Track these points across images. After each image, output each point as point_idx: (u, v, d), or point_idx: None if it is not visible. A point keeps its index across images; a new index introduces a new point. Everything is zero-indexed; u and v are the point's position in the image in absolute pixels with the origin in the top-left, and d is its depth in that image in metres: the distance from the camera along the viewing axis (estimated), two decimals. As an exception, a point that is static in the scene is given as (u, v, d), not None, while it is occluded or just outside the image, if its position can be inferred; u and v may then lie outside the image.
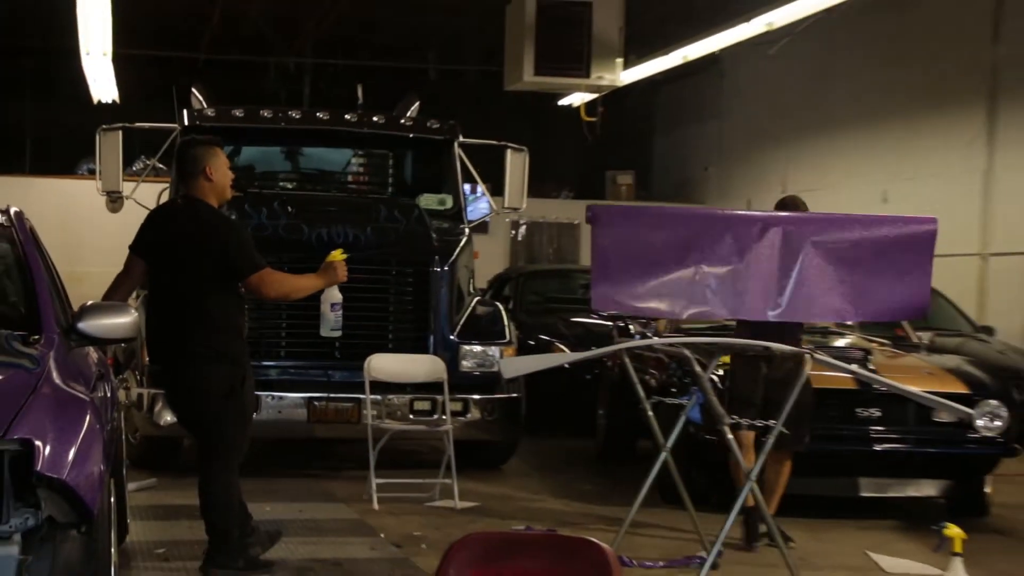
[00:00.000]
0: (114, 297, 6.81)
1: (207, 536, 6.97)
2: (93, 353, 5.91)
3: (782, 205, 8.47)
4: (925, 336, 11.13)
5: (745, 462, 7.65)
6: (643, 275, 7.25)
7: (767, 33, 15.90)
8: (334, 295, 7.35)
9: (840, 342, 10.07)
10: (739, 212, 7.80)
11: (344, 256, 7.22)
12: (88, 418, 4.54)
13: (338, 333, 7.72)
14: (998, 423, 8.78)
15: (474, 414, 10.21)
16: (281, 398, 10.07)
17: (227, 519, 6.92)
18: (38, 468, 4.05)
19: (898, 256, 7.29)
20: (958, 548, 6.54)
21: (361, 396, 9.48)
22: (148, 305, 7.27)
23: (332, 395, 10.09)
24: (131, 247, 7.20)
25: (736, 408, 7.80)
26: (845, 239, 7.36)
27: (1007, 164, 16.54)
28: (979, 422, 8.68)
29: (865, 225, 7.60)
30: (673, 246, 7.29)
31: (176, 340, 6.96)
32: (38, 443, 4.08)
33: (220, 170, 7.05)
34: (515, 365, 9.28)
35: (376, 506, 8.98)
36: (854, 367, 7.85)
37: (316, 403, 10.09)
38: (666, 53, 17.50)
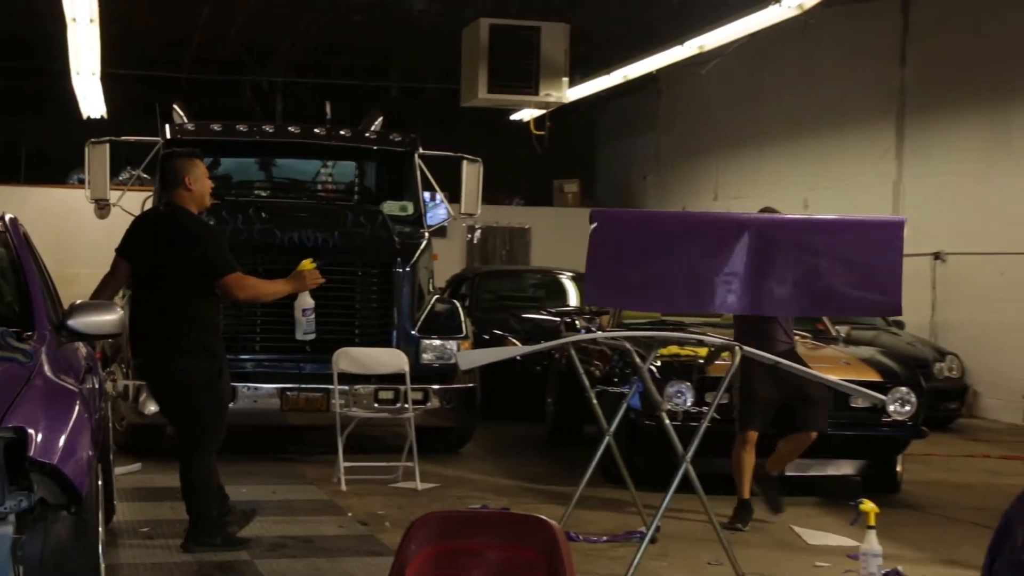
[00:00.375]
0: (102, 296, 6.80)
1: (188, 516, 6.95)
2: (82, 348, 5.87)
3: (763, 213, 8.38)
4: (843, 329, 11.18)
5: (748, 457, 7.93)
6: (629, 273, 7.30)
7: (699, 55, 15.97)
8: (306, 301, 7.32)
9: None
10: (717, 214, 7.74)
11: (314, 265, 7.22)
12: (77, 408, 4.52)
13: (311, 336, 7.68)
14: (908, 408, 8.84)
15: (434, 403, 10.21)
16: (256, 389, 10.04)
17: (206, 501, 6.94)
18: (31, 454, 4.03)
19: (867, 256, 7.31)
20: (872, 522, 6.56)
21: (330, 387, 9.46)
22: (132, 303, 7.23)
23: (303, 386, 10.06)
24: (117, 250, 7.20)
25: (753, 410, 7.94)
26: (815, 240, 7.38)
27: (913, 174, 16.70)
28: (891, 407, 8.74)
29: (833, 228, 7.64)
30: (656, 247, 7.33)
31: (158, 336, 6.96)
32: (31, 431, 4.07)
33: (199, 180, 7.07)
34: (471, 357, 9.29)
35: (344, 487, 8.96)
36: (779, 358, 7.87)
37: (288, 393, 10.07)
38: (608, 73, 17.56)
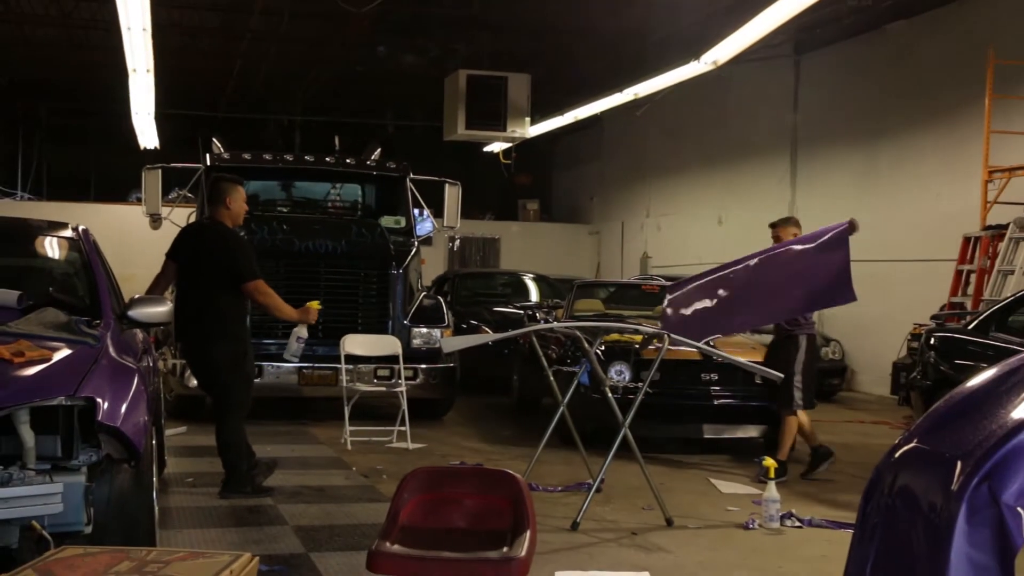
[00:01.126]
0: (155, 291, 6.79)
1: (223, 470, 6.93)
2: (139, 333, 5.85)
3: (784, 222, 8.45)
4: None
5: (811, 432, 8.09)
6: (688, 308, 7.43)
7: (634, 100, 16.01)
8: (303, 332, 7.26)
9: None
10: (731, 263, 7.70)
11: (319, 306, 7.25)
12: (135, 381, 4.52)
13: (296, 360, 7.57)
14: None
15: (422, 379, 10.19)
16: (278, 367, 10.00)
17: (237, 457, 6.96)
18: (99, 418, 4.04)
19: (824, 257, 7.30)
20: (772, 474, 6.61)
21: (338, 365, 9.43)
22: (177, 298, 7.20)
23: (316, 365, 10.02)
24: (167, 254, 7.18)
25: (811, 390, 8.07)
26: (786, 257, 7.46)
27: (804, 196, 16.81)
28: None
29: (798, 243, 7.64)
30: (699, 292, 7.45)
31: (196, 324, 6.97)
32: (99, 400, 4.07)
33: (237, 202, 7.11)
34: (452, 343, 9.27)
35: (349, 447, 8.93)
36: (699, 344, 7.90)
37: (304, 371, 10.03)
38: (562, 114, 17.59)
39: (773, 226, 8.38)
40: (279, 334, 10.15)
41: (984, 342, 8.02)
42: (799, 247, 7.56)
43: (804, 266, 7.38)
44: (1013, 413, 2.05)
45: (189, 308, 7.02)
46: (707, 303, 7.57)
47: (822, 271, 7.32)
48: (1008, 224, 11.78)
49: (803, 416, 8.14)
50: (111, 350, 4.67)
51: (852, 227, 7.39)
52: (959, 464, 2.03)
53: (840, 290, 7.23)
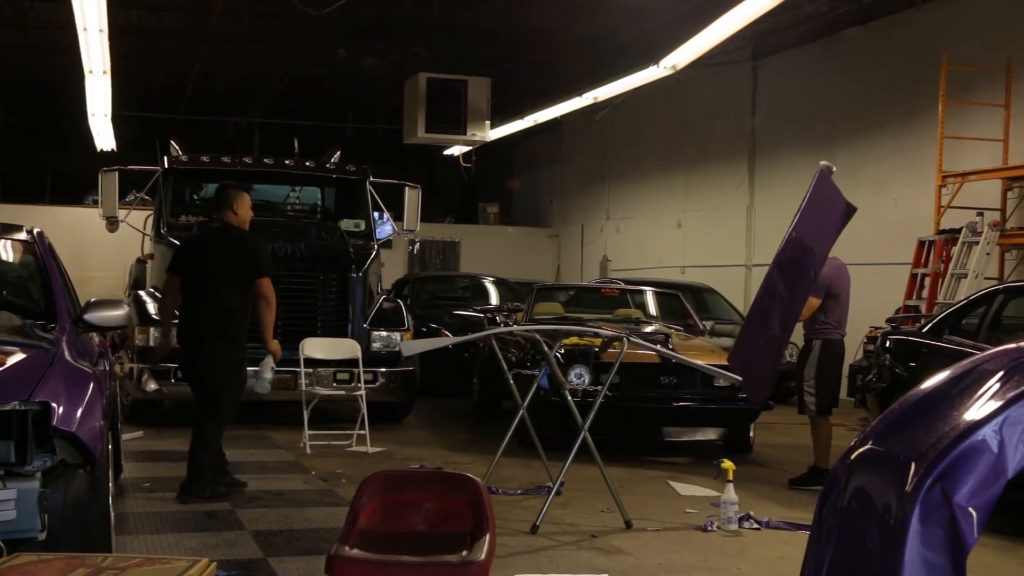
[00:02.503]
0: (167, 310, 7.48)
1: (187, 471, 6.93)
2: (95, 337, 5.79)
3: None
4: (708, 324, 11.30)
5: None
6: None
7: (594, 104, 16.10)
8: (271, 362, 7.37)
9: (648, 328, 10.18)
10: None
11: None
12: (91, 386, 4.46)
13: (266, 389, 7.53)
14: None
15: (381, 382, 10.16)
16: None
17: (204, 461, 6.95)
18: (53, 423, 3.99)
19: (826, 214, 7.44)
20: (730, 476, 6.65)
21: (297, 369, 9.37)
22: (182, 303, 7.23)
23: (275, 368, 9.93)
24: (170, 269, 7.36)
25: (826, 396, 7.95)
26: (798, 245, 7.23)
27: (762, 201, 16.93)
28: (746, 386, 8.83)
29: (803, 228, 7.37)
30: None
31: (199, 327, 7.05)
32: (53, 404, 4.02)
33: (243, 208, 7.30)
34: (412, 346, 9.25)
35: (308, 451, 8.89)
36: (658, 347, 7.93)
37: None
38: (522, 118, 17.64)
39: None
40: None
41: (938, 345, 8.12)
42: (803, 232, 7.26)
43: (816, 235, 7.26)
44: (965, 415, 2.08)
45: (193, 311, 7.12)
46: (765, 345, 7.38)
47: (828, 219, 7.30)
48: (961, 228, 11.93)
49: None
50: (66, 354, 4.62)
51: (828, 170, 7.40)
52: (913, 465, 2.05)
53: (846, 214, 7.45)
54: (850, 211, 7.42)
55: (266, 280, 7.09)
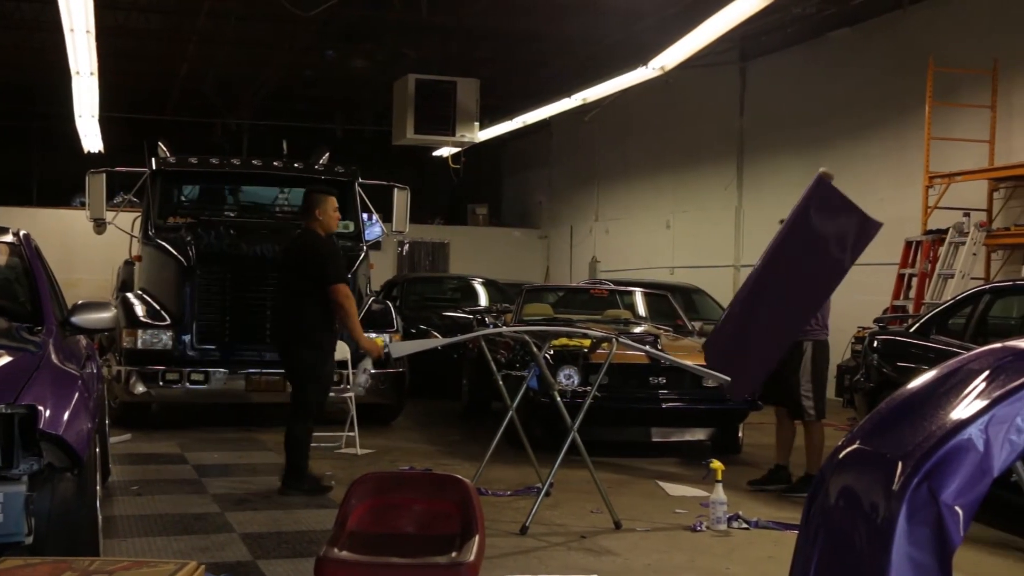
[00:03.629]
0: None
1: (285, 465, 7.34)
2: (82, 340, 5.77)
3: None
4: (697, 325, 11.31)
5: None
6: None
7: (583, 105, 16.10)
8: (369, 364, 7.71)
9: (637, 329, 10.18)
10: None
11: (382, 344, 7.73)
12: (78, 389, 4.45)
13: (360, 391, 7.82)
14: None
15: (371, 384, 10.14)
16: (226, 373, 9.92)
17: (300, 455, 7.31)
18: (40, 426, 3.96)
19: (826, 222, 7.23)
20: (719, 476, 6.66)
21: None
22: (275, 301, 7.65)
23: (264, 370, 9.95)
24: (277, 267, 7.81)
25: (822, 398, 7.78)
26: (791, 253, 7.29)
27: (750, 202, 16.96)
28: (734, 387, 8.80)
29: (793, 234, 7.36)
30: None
31: (285, 329, 7.45)
32: (40, 407, 4.00)
33: (327, 212, 7.43)
34: (401, 347, 9.20)
35: (298, 452, 8.86)
36: (647, 347, 7.93)
37: (252, 376, 9.96)
38: (511, 119, 17.63)
39: None
40: (226, 340, 10.10)
41: (925, 345, 8.14)
42: (798, 238, 7.25)
43: (815, 243, 7.11)
44: (952, 414, 2.09)
45: (281, 313, 7.58)
46: (743, 349, 7.38)
47: (832, 231, 7.09)
48: (948, 229, 11.97)
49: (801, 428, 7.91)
50: (53, 357, 4.60)
51: (827, 177, 7.26)
52: (900, 465, 2.06)
53: (863, 227, 6.99)
54: (871, 226, 7.10)
55: (335, 287, 7.21)
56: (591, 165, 22.05)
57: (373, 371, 7.85)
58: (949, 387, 2.21)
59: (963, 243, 11.70)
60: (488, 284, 15.69)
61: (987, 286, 8.66)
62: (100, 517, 4.98)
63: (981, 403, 2.06)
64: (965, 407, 2.08)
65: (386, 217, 12.18)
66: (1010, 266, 11.93)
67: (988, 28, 12.58)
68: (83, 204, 11.68)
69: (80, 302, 5.40)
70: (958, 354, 2.46)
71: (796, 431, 7.97)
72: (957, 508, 1.96)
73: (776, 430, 8.12)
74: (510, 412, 7.20)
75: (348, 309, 7.26)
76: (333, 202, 7.53)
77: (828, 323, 7.93)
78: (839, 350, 13.18)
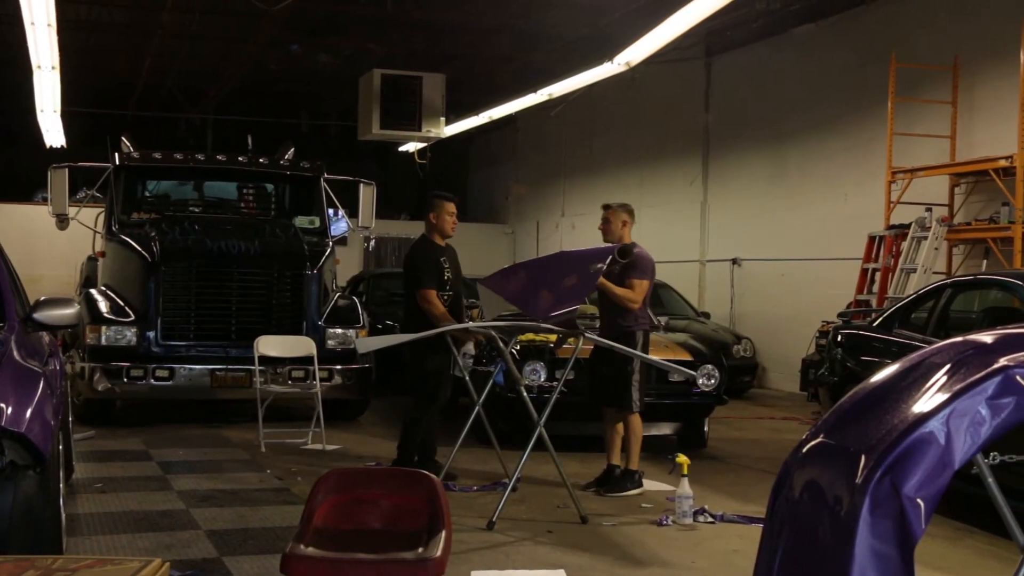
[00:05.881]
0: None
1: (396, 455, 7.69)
2: (45, 336, 5.71)
3: (620, 206, 7.80)
4: (663, 319, 11.36)
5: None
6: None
7: (549, 100, 16.10)
8: (470, 348, 7.78)
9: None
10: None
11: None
12: (41, 386, 4.41)
13: (460, 374, 7.78)
14: (713, 381, 8.75)
15: (337, 380, 10.12)
16: (191, 369, 9.87)
17: (407, 448, 7.65)
18: (2, 424, 3.93)
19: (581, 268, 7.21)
20: (685, 471, 6.69)
21: (252, 367, 9.32)
22: None
23: (230, 367, 9.91)
24: None
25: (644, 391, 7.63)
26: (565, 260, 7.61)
27: (715, 198, 17.04)
28: (700, 381, 8.70)
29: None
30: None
31: (404, 331, 7.84)
32: (2, 404, 3.96)
33: (441, 217, 7.82)
34: (367, 343, 9.21)
35: (263, 449, 8.84)
36: (614, 342, 7.94)
37: (218, 372, 9.91)
38: (477, 114, 17.62)
39: (605, 207, 7.85)
40: (191, 336, 10.04)
41: (888, 338, 8.22)
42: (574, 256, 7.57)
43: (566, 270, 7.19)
44: (914, 408, 2.10)
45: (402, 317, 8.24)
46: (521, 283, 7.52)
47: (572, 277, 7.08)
48: (911, 224, 12.09)
49: (622, 426, 7.63)
50: (15, 353, 4.55)
51: (621, 253, 7.38)
52: (863, 458, 2.08)
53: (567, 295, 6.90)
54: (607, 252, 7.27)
55: (418, 294, 7.60)
56: (557, 160, 22.08)
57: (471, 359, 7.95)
58: (911, 381, 2.23)
59: (925, 238, 11.81)
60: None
61: (949, 280, 8.75)
62: (63, 515, 4.94)
63: (942, 396, 2.07)
64: (927, 401, 2.10)
65: (352, 212, 12.14)
66: (971, 261, 12.06)
67: (949, 24, 12.70)
68: (45, 199, 11.55)
69: (42, 298, 5.35)
70: (920, 348, 2.48)
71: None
72: (919, 500, 1.98)
73: (604, 430, 7.79)
74: (477, 407, 7.21)
75: (429, 311, 7.56)
76: (448, 207, 7.83)
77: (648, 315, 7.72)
78: (803, 344, 13.33)
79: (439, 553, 3.72)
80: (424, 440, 7.77)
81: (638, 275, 7.47)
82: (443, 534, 3.87)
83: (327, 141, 22.36)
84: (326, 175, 11.75)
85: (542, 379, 8.72)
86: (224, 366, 9.90)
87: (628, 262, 7.49)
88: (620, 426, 7.62)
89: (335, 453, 8.86)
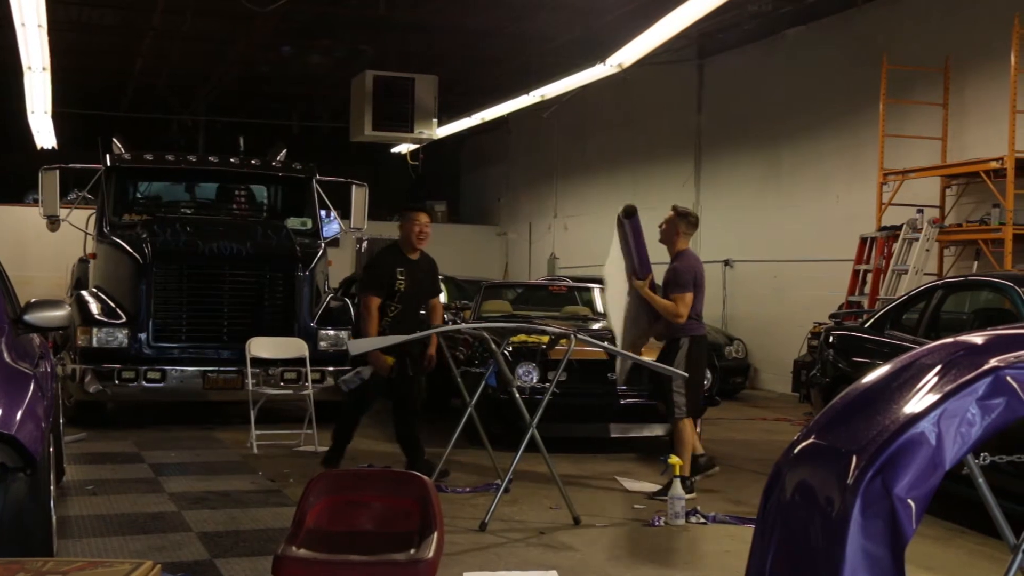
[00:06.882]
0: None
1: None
2: (36, 338, 5.70)
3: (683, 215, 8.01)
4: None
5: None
6: None
7: (541, 102, 16.09)
8: (366, 373, 7.72)
9: (595, 325, 10.20)
10: None
11: (392, 362, 7.64)
12: (31, 387, 4.40)
13: (345, 388, 7.93)
14: (706, 382, 8.80)
15: (329, 381, 10.08)
16: (182, 371, 9.84)
17: (406, 446, 7.79)
18: (-8, 426, 3.91)
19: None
20: (677, 472, 6.69)
21: (244, 368, 9.30)
22: None
23: (222, 368, 9.89)
24: None
25: (697, 395, 7.63)
26: None
27: (708, 199, 17.06)
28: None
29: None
30: None
31: None
32: (-8, 407, 3.94)
33: (405, 228, 7.88)
34: (359, 344, 9.17)
35: (255, 451, 8.82)
36: (605, 344, 7.94)
37: (209, 374, 9.89)
38: (469, 115, 17.61)
39: (674, 209, 8.05)
40: (182, 338, 10.02)
41: (879, 340, 8.23)
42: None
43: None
44: (905, 408, 2.11)
45: None
46: None
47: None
48: (902, 225, 12.11)
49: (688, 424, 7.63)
50: (5, 355, 4.54)
51: (625, 212, 7.78)
52: (854, 459, 2.08)
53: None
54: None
55: (360, 296, 7.79)
56: (550, 162, 22.08)
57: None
58: (902, 382, 2.24)
59: (916, 239, 11.83)
60: (447, 281, 15.64)
61: (940, 282, 8.76)
62: (54, 517, 4.92)
63: (933, 397, 2.08)
64: (918, 401, 2.10)
65: (344, 214, 12.13)
66: (962, 262, 12.09)
67: (940, 26, 12.73)
68: (36, 201, 11.53)
69: (33, 300, 5.34)
70: (912, 349, 2.49)
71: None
72: (910, 501, 1.99)
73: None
74: (469, 409, 7.20)
75: (362, 317, 7.73)
76: (411, 217, 7.84)
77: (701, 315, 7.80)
78: (795, 345, 13.34)
79: (431, 555, 3.72)
80: (406, 442, 7.81)
81: (678, 290, 7.54)
82: (435, 535, 3.86)
83: (319, 142, 22.32)
84: (318, 176, 11.74)
85: (534, 380, 8.75)
86: (216, 368, 9.87)
87: (667, 279, 7.68)
88: (688, 432, 7.51)
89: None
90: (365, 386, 7.70)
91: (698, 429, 9.50)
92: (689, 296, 7.53)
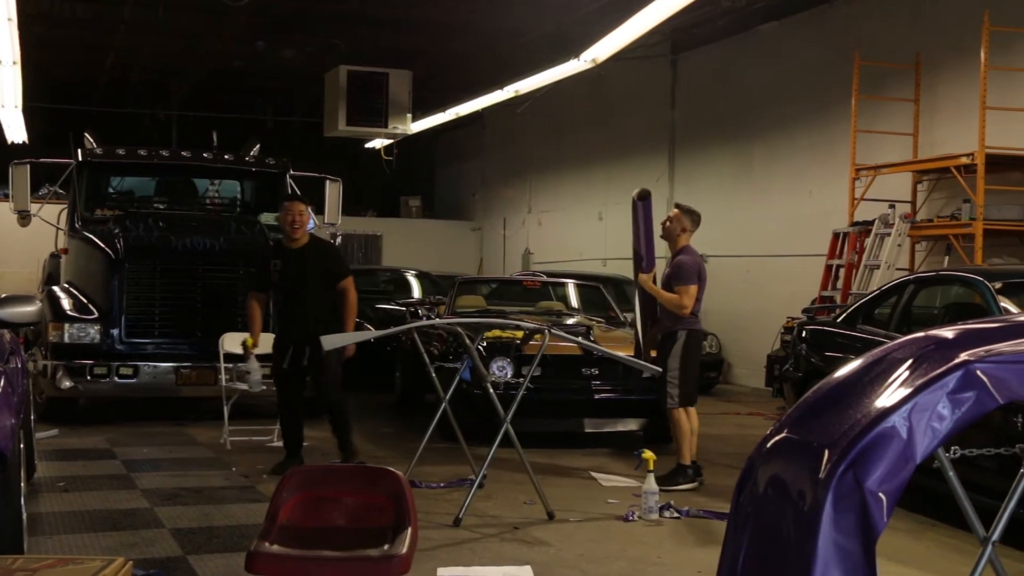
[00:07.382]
0: None
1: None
2: (7, 334, 5.64)
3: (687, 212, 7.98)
4: (629, 316, 11.35)
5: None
6: None
7: (515, 97, 16.11)
8: (253, 368, 8.28)
9: (570, 320, 10.21)
10: None
11: (252, 343, 8.18)
12: (2, 383, 4.35)
13: (246, 386, 8.38)
14: None
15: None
16: (155, 367, 9.78)
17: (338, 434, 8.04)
18: (-39, 424, 3.87)
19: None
20: (651, 467, 6.71)
21: (217, 364, 9.25)
22: None
23: (195, 364, 9.83)
24: None
25: (690, 386, 7.70)
26: None
27: (682, 194, 17.02)
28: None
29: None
30: None
31: None
32: (-39, 404, 3.90)
33: (280, 219, 8.12)
34: (333, 340, 9.12)
35: (228, 447, 8.78)
36: (579, 339, 7.95)
37: (182, 370, 9.83)
38: (443, 111, 17.59)
39: (679, 206, 8.09)
40: (155, 333, 9.96)
41: (852, 334, 8.27)
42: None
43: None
44: (876, 402, 2.12)
45: None
46: None
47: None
48: (874, 220, 12.18)
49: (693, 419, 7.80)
50: (-25, 352, 4.50)
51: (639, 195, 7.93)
52: (826, 452, 2.09)
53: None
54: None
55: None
56: (524, 157, 22.07)
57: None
58: (874, 376, 2.25)
59: (888, 234, 11.91)
60: (421, 276, 15.63)
61: (911, 276, 8.82)
62: (25, 514, 4.88)
63: (904, 391, 2.09)
64: (889, 395, 2.11)
65: (318, 209, 12.06)
66: (933, 257, 12.18)
67: (911, 23, 12.81)
68: (7, 196, 11.42)
69: (4, 296, 5.30)
70: (883, 343, 2.50)
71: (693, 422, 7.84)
72: (881, 495, 2.00)
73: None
74: (443, 404, 7.19)
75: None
76: (287, 206, 7.94)
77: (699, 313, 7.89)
78: (768, 340, 13.39)
79: (404, 550, 3.71)
80: (286, 427, 8.08)
81: (683, 282, 7.61)
82: (409, 531, 3.85)
83: (293, 137, 22.25)
84: (292, 171, 11.69)
85: (509, 375, 8.74)
86: (189, 364, 9.82)
87: (670, 272, 7.75)
88: (683, 421, 7.66)
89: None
90: (278, 382, 8.03)
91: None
92: (694, 288, 7.65)
